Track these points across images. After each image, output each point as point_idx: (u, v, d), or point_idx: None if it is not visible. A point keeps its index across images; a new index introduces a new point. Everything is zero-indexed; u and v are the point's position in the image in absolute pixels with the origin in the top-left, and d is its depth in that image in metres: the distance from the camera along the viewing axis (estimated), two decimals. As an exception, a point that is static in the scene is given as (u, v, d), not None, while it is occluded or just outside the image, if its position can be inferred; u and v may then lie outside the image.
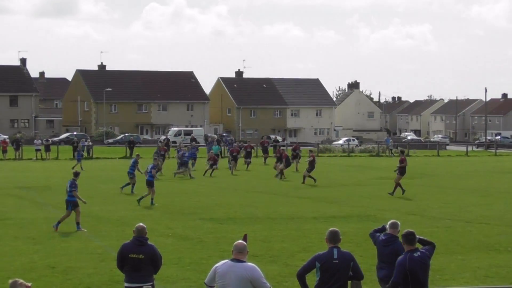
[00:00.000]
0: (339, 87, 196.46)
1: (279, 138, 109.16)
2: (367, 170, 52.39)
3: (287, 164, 45.75)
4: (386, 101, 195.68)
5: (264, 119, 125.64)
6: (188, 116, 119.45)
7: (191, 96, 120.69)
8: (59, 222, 23.71)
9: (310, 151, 46.28)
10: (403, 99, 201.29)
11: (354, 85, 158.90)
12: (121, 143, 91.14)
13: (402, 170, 35.18)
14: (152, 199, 30.70)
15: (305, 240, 21.81)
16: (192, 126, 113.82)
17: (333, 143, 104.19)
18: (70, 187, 23.85)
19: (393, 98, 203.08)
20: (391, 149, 78.60)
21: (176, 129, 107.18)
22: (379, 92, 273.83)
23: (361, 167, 56.25)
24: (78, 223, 23.80)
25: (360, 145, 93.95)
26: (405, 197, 34.16)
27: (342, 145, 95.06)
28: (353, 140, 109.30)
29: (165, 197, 33.32)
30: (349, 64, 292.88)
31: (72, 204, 23.76)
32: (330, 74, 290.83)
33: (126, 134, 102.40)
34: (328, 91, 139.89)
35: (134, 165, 36.32)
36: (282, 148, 52.04)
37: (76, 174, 24.29)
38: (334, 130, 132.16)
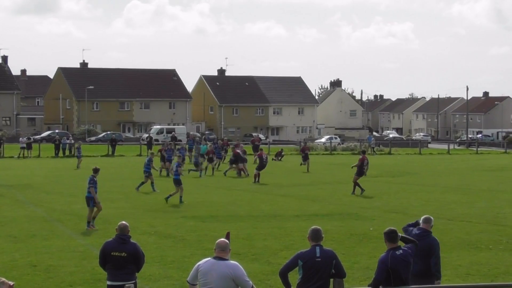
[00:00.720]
0: (322, 85, 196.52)
1: (262, 136, 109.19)
2: (349, 168, 52.45)
3: (235, 161, 46.10)
4: (368, 99, 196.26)
5: (247, 117, 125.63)
6: (170, 114, 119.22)
7: (174, 94, 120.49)
8: (88, 222, 23.59)
9: (261, 149, 46.75)
10: (385, 97, 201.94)
11: (336, 83, 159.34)
12: (103, 141, 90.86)
13: (359, 171, 35.16)
14: (180, 196, 30.71)
15: (287, 238, 21.84)
16: (174, 124, 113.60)
17: (316, 141, 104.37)
18: (88, 183, 23.71)
19: (375, 96, 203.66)
20: (373, 147, 78.99)
21: (158, 127, 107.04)
22: (361, 90, 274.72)
23: (343, 165, 56.28)
24: (93, 218, 23.68)
25: (342, 143, 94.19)
26: (387, 195, 34.26)
27: (324, 143, 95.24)
28: (335, 138, 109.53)
29: (147, 195, 33.26)
30: (331, 62, 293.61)
31: (92, 200, 23.64)
32: (313, 73, 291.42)
33: (108, 132, 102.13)
34: (311, 89, 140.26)
35: (149, 163, 36.09)
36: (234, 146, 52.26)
37: (96, 171, 24.05)
38: (317, 128, 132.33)
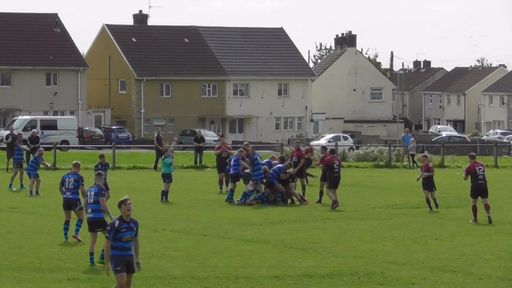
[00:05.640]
0: (320, 44, 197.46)
1: (213, 134, 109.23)
2: (370, 191, 52.61)
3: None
4: (404, 69, 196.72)
5: (186, 101, 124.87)
6: (49, 95, 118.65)
7: (55, 59, 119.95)
8: None
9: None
10: (433, 65, 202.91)
11: (346, 40, 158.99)
12: None
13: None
14: None
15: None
16: (56, 113, 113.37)
17: (311, 143, 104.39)
18: None
19: (416, 63, 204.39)
20: (412, 155, 78.61)
21: (27, 117, 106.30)
22: (391, 53, 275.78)
23: (360, 187, 56.47)
24: None
25: (358, 148, 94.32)
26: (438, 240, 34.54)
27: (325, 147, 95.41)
28: (345, 138, 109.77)
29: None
30: (337, 5, 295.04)
31: None
32: (303, 22, 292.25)
33: None
34: (300, 51, 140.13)
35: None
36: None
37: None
38: (311, 120, 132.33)
